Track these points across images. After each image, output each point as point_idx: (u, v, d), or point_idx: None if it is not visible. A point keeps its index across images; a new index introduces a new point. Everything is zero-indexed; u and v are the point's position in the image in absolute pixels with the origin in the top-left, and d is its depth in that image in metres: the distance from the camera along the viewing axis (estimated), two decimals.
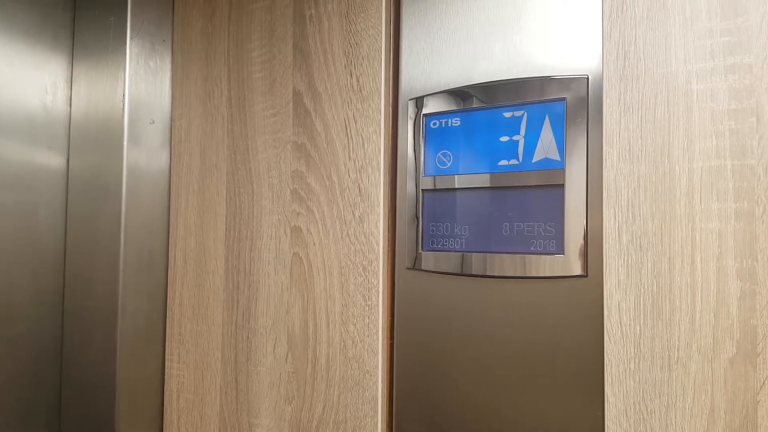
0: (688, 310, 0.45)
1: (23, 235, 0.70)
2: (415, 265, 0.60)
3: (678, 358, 0.45)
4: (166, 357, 0.74)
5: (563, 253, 0.51)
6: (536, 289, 0.52)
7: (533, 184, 0.53)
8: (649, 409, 0.46)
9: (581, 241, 0.50)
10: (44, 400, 0.72)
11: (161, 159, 0.75)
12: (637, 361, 0.46)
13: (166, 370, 0.75)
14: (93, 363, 0.72)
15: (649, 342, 0.46)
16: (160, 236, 0.75)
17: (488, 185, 0.56)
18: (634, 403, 0.46)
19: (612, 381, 0.47)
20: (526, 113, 0.54)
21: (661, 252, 0.46)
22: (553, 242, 0.52)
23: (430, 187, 0.59)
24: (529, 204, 0.53)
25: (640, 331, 0.47)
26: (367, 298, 0.62)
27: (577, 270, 0.50)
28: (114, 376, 0.71)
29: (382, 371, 0.61)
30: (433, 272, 0.59)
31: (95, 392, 0.71)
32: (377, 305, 0.62)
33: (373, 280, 0.62)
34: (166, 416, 0.74)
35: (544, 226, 0.52)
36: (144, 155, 0.72)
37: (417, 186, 0.60)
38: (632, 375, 0.47)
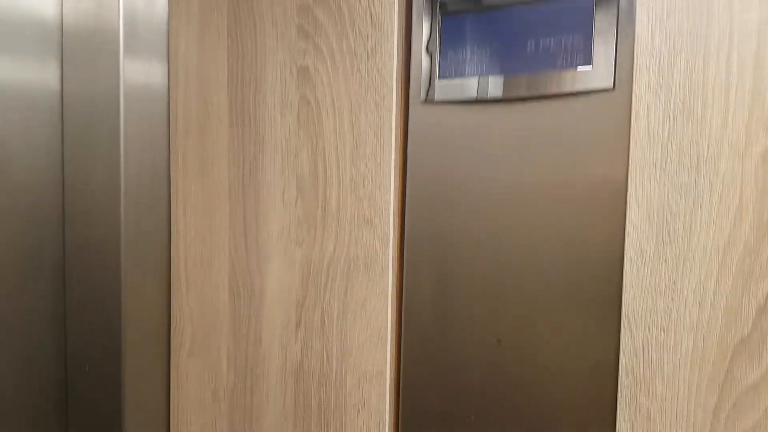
0: (721, 107, 0.43)
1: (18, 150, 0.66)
2: (429, 96, 0.57)
3: (708, 156, 0.44)
4: (172, 209, 0.73)
5: (591, 65, 0.49)
6: (560, 108, 0.50)
7: None
8: (673, 212, 0.45)
9: (611, 49, 0.48)
10: (48, 260, 0.71)
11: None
12: (663, 163, 0.45)
13: (172, 225, 0.73)
14: (97, 239, 0.70)
15: (678, 143, 0.45)
16: (159, 94, 0.71)
17: (513, 0, 0.52)
18: (657, 207, 0.45)
19: (636, 187, 0.46)
20: None
21: (695, 50, 0.44)
22: (580, 55, 0.49)
23: (449, 7, 0.56)
24: (557, 16, 0.50)
25: (668, 133, 0.45)
26: (378, 136, 0.60)
27: (605, 81, 0.48)
28: (119, 229, 0.69)
29: (393, 208, 0.60)
30: (449, 102, 0.56)
31: (100, 248, 0.70)
32: (389, 142, 0.60)
33: (385, 116, 0.60)
34: (174, 267, 0.73)
35: (573, 38, 0.50)
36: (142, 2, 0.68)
37: (434, 8, 0.56)
38: (658, 179, 0.45)
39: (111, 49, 0.67)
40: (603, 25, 0.48)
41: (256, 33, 0.66)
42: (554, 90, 0.50)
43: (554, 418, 0.50)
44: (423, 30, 0.57)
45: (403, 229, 0.60)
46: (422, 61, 0.57)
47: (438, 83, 0.57)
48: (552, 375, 0.50)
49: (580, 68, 0.49)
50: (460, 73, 0.55)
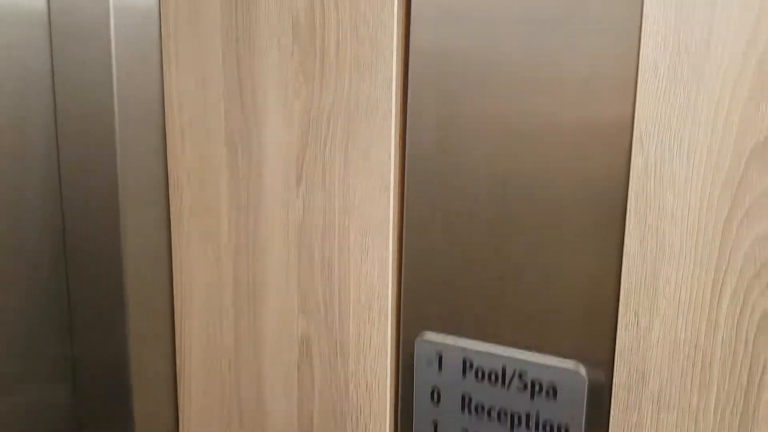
0: None
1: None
2: None
3: None
4: (164, 68, 0.70)
5: None
6: None
7: None
8: (690, 24, 0.43)
9: None
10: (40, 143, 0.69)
11: None
12: None
13: (164, 83, 0.70)
14: (89, 93, 0.68)
15: None
16: None
17: None
18: (674, 23, 0.43)
19: (651, 2, 0.44)
20: None
21: None
22: None
23: None
24: None
25: None
26: None
27: None
28: (112, 95, 0.67)
29: (396, 49, 0.57)
30: None
31: (93, 105, 0.68)
32: None
33: None
34: (169, 131, 0.71)
35: None
36: None
37: None
38: None
39: None
40: None
41: None
42: None
43: (560, 244, 0.50)
44: None
45: (407, 71, 0.58)
46: None
47: None
48: (559, 206, 0.50)
49: None
50: None
